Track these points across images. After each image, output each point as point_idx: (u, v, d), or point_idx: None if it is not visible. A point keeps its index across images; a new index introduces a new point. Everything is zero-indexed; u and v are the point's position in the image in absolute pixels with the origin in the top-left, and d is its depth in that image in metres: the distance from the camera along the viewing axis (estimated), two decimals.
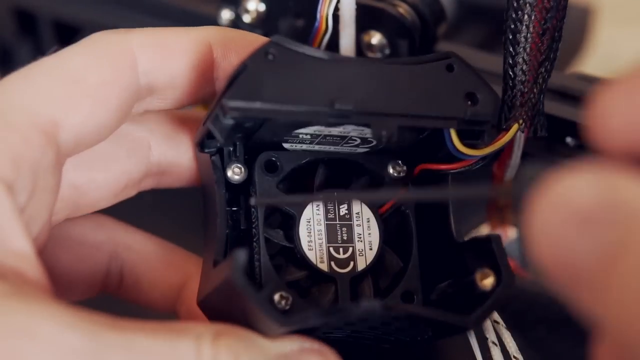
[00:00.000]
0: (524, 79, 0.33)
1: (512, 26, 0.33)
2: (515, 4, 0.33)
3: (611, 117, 0.20)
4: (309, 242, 0.33)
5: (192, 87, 0.33)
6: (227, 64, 0.33)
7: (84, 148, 0.32)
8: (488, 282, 0.32)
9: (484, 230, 0.41)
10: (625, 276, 0.19)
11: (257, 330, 0.29)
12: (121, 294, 0.37)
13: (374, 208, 0.35)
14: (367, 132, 0.32)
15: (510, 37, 0.33)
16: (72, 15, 0.51)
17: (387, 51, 0.42)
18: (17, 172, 0.29)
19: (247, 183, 0.34)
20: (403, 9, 0.41)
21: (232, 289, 0.28)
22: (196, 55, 0.33)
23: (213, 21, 0.45)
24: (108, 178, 0.34)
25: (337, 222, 0.34)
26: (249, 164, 0.34)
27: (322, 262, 0.33)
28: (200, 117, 0.33)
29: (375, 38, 0.42)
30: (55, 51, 0.32)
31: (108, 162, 0.34)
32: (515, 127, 0.33)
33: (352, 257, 0.34)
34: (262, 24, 0.43)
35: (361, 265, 0.34)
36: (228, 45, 0.33)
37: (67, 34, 0.52)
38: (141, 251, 0.37)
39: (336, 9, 0.38)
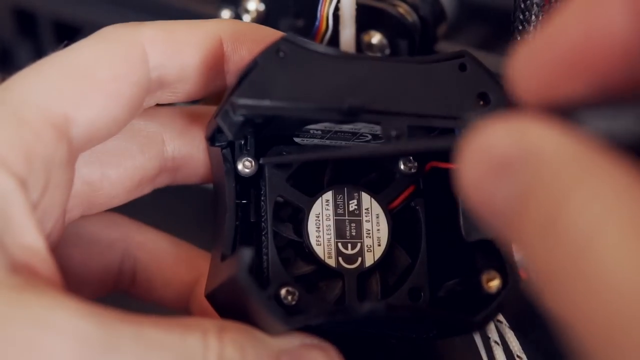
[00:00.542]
0: None
1: (520, 27, 0.33)
2: (522, 5, 0.33)
3: (524, 75, 0.22)
4: (317, 237, 0.33)
5: (203, 81, 0.33)
6: (238, 57, 0.33)
7: (96, 143, 0.32)
8: (494, 284, 0.32)
9: None
10: (531, 216, 0.20)
11: (262, 326, 0.29)
12: (133, 291, 0.37)
13: (384, 204, 0.35)
14: (377, 129, 0.32)
15: (519, 38, 0.33)
16: (72, 15, 0.51)
17: (387, 51, 0.42)
18: (30, 167, 0.29)
19: (258, 177, 0.34)
20: (403, 9, 0.41)
21: (237, 287, 0.28)
22: (207, 49, 0.33)
23: None
24: (122, 174, 0.34)
25: (346, 217, 0.34)
26: (259, 158, 0.34)
27: (330, 257, 0.33)
28: (212, 112, 0.33)
29: (375, 38, 0.42)
30: (65, 46, 0.32)
31: (121, 158, 0.34)
32: None
33: (360, 253, 0.34)
34: (262, 24, 0.43)
35: (369, 261, 0.34)
36: (239, 38, 0.33)
37: (67, 34, 0.52)
38: (153, 249, 0.37)
39: (336, 8, 0.39)
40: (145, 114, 0.34)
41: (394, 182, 0.35)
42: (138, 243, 0.37)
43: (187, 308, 0.37)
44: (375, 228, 0.34)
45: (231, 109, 0.30)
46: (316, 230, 0.34)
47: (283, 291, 0.31)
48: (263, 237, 0.33)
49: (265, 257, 0.33)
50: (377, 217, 0.34)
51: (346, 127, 0.32)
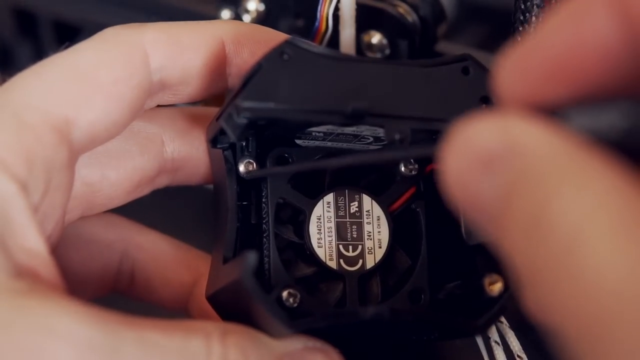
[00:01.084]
0: None
1: (520, 28, 0.33)
2: (522, 6, 0.33)
3: (510, 79, 0.22)
4: (318, 239, 0.33)
5: (205, 83, 0.33)
6: (240, 59, 0.33)
7: (96, 145, 0.32)
8: (496, 287, 0.32)
9: None
10: (516, 215, 0.20)
11: (265, 329, 0.30)
12: (132, 293, 0.37)
13: (385, 206, 0.35)
14: (379, 132, 0.32)
15: (519, 39, 0.33)
16: (72, 15, 0.51)
17: (387, 51, 0.42)
18: (31, 170, 0.29)
19: (259, 178, 0.34)
20: (403, 9, 0.41)
21: (241, 290, 0.28)
22: (209, 51, 0.33)
23: None
24: (121, 175, 0.34)
25: (347, 219, 0.34)
26: (261, 159, 0.34)
27: (331, 259, 0.33)
28: (212, 113, 0.33)
29: (375, 38, 0.42)
30: (67, 47, 0.31)
31: (121, 159, 0.34)
32: None
33: (361, 255, 0.34)
34: (262, 24, 0.43)
35: (370, 263, 0.34)
36: (240, 40, 0.33)
37: (67, 34, 0.52)
38: (152, 250, 0.37)
39: (336, 9, 0.39)
40: (145, 115, 0.34)
41: (394, 184, 0.35)
42: (137, 244, 0.37)
43: (186, 309, 0.37)
44: (376, 230, 0.34)
45: (235, 111, 0.30)
46: (317, 232, 0.34)
47: (285, 293, 0.31)
48: (264, 239, 0.33)
49: (266, 259, 0.33)
50: (378, 219, 0.34)
51: (348, 130, 0.32)
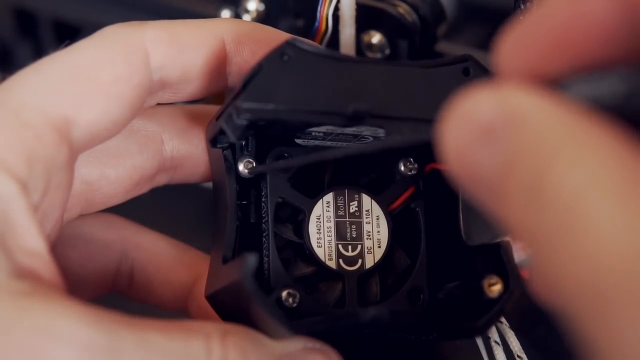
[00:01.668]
0: None
1: None
2: (522, 6, 0.33)
3: (510, 54, 0.22)
4: (318, 239, 0.33)
5: (205, 82, 0.33)
6: (240, 58, 0.33)
7: (96, 144, 0.32)
8: (496, 288, 0.32)
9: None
10: (517, 181, 0.20)
11: (264, 330, 0.30)
12: (131, 293, 0.37)
13: (384, 205, 0.35)
14: (380, 132, 0.32)
15: None
16: (72, 15, 0.51)
17: (387, 51, 0.42)
18: (31, 170, 0.29)
19: (258, 178, 0.34)
20: (403, 9, 0.41)
21: (241, 291, 0.28)
22: (209, 50, 0.33)
23: None
24: (120, 173, 0.34)
25: (347, 219, 0.34)
26: (260, 159, 0.34)
27: (330, 259, 0.33)
28: (212, 112, 0.33)
29: (375, 38, 0.42)
30: (67, 46, 0.31)
31: (120, 158, 0.34)
32: None
33: (361, 255, 0.34)
34: (262, 23, 0.43)
35: (369, 263, 0.34)
36: (241, 39, 0.33)
37: (67, 34, 0.52)
38: (151, 250, 0.37)
39: (336, 9, 0.39)
40: (144, 113, 0.34)
41: (394, 184, 0.35)
42: (136, 244, 0.37)
43: (185, 309, 0.37)
44: (376, 230, 0.34)
45: (235, 112, 0.30)
46: (317, 232, 0.34)
47: (284, 293, 0.31)
48: (264, 239, 0.33)
49: (266, 258, 0.33)
50: (378, 219, 0.34)
51: (348, 130, 0.32)
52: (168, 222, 0.40)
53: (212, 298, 0.33)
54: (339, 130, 0.32)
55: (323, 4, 0.38)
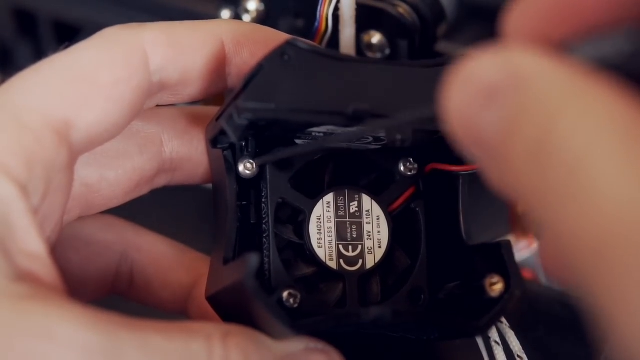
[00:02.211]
0: None
1: None
2: None
3: (518, 22, 0.22)
4: (318, 239, 0.34)
5: (204, 83, 0.33)
6: (240, 60, 0.33)
7: (96, 146, 0.32)
8: (497, 288, 0.32)
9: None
10: (520, 141, 0.20)
11: (266, 330, 0.30)
12: (131, 294, 0.37)
13: (384, 206, 0.35)
14: (380, 132, 0.32)
15: None
16: (72, 15, 0.51)
17: (387, 51, 0.42)
18: (31, 173, 0.29)
19: (258, 178, 0.34)
20: (403, 9, 0.41)
21: (242, 292, 0.28)
22: (209, 51, 0.33)
23: None
24: (120, 175, 0.34)
25: (347, 219, 0.34)
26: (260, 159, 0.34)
27: (331, 259, 0.33)
28: (211, 113, 0.33)
29: (375, 38, 0.42)
30: (66, 47, 0.31)
31: (120, 160, 0.34)
32: None
33: (361, 255, 0.34)
34: (262, 24, 0.43)
35: (370, 263, 0.34)
36: (240, 40, 0.33)
37: (67, 34, 0.52)
38: (151, 252, 0.37)
39: (336, 9, 0.39)
40: (144, 115, 0.34)
41: (394, 184, 0.35)
42: (136, 246, 0.37)
43: (185, 310, 0.37)
44: (376, 230, 0.34)
45: (236, 112, 0.30)
46: (317, 233, 0.34)
47: (285, 294, 0.31)
48: (264, 239, 0.33)
49: (266, 259, 0.33)
50: (378, 219, 0.34)
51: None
52: (168, 223, 0.40)
53: (213, 299, 0.33)
54: (339, 130, 0.32)
55: (323, 4, 0.38)
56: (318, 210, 0.34)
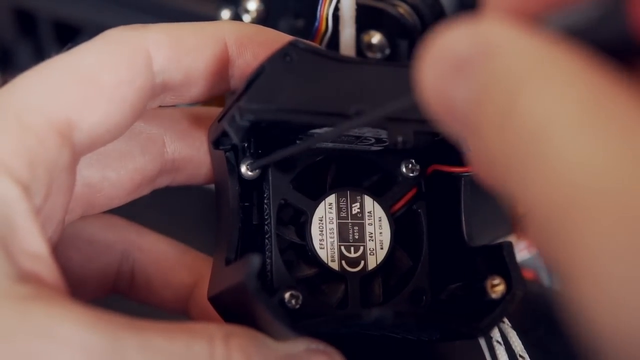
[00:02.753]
0: None
1: None
2: None
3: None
4: (320, 240, 0.34)
5: (207, 85, 0.33)
6: (242, 61, 0.33)
7: (98, 147, 0.32)
8: (498, 289, 0.32)
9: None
10: (488, 111, 0.20)
11: (268, 331, 0.30)
12: (132, 294, 0.37)
13: (386, 207, 0.35)
14: (382, 133, 0.32)
15: None
16: (72, 15, 0.51)
17: (387, 51, 0.42)
18: (34, 173, 0.29)
19: (261, 180, 0.34)
20: (403, 9, 0.41)
21: (244, 293, 0.28)
22: (211, 52, 0.33)
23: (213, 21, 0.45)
24: (122, 176, 0.34)
25: (349, 220, 0.34)
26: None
27: (333, 260, 0.33)
28: (214, 114, 0.33)
29: (375, 38, 0.42)
30: (69, 48, 0.31)
31: (122, 160, 0.34)
32: None
33: (363, 256, 0.34)
34: (262, 24, 0.43)
35: (372, 264, 0.34)
36: (243, 42, 0.33)
37: (67, 34, 0.52)
38: (152, 252, 0.37)
39: (336, 9, 0.38)
40: (146, 116, 0.34)
41: (396, 185, 0.35)
42: (137, 245, 0.37)
43: (186, 310, 0.37)
44: (378, 231, 0.34)
45: (238, 113, 0.30)
46: (319, 234, 0.34)
47: (287, 295, 0.31)
48: (266, 240, 0.33)
49: (268, 260, 0.33)
50: (380, 220, 0.34)
51: (351, 131, 0.32)
52: (169, 223, 0.40)
53: (214, 300, 0.33)
54: None
55: (323, 4, 0.38)
56: (320, 211, 0.34)
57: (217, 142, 0.33)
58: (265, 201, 0.33)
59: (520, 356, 0.33)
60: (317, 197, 0.34)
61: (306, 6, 0.42)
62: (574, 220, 0.19)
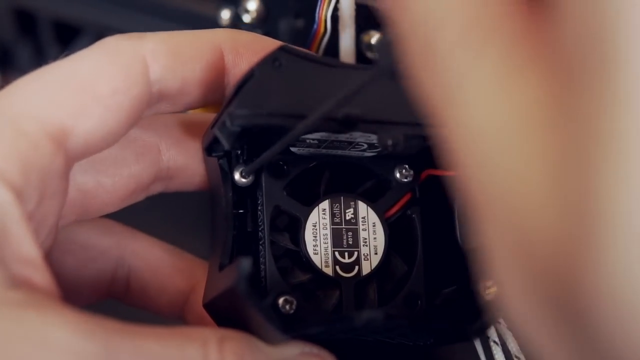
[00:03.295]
0: None
1: None
2: None
3: None
4: (314, 246, 0.34)
5: (203, 93, 0.33)
6: (238, 70, 0.33)
7: (92, 153, 0.32)
8: (492, 291, 0.32)
9: None
10: (414, 44, 0.21)
11: (260, 335, 0.30)
12: (127, 299, 0.37)
13: (380, 212, 0.35)
14: (373, 138, 0.32)
15: None
16: (72, 15, 0.51)
17: None
18: (27, 179, 0.29)
19: (254, 186, 0.34)
20: None
21: (236, 296, 0.28)
22: (208, 61, 0.33)
23: (213, 21, 0.45)
24: (117, 182, 0.34)
25: (343, 226, 0.34)
26: (256, 167, 0.34)
27: (327, 266, 0.33)
28: (209, 120, 0.33)
29: (375, 38, 0.42)
30: (66, 56, 0.31)
31: (117, 167, 0.34)
32: None
33: (357, 262, 0.34)
34: (262, 24, 0.43)
35: (366, 269, 0.34)
36: (239, 50, 0.33)
37: (67, 34, 0.52)
38: (148, 257, 0.37)
39: (335, 9, 0.39)
40: (141, 122, 0.34)
41: (390, 191, 0.35)
42: (132, 250, 0.37)
43: (182, 316, 0.37)
44: (372, 236, 0.34)
45: (229, 119, 0.30)
46: (313, 239, 0.34)
47: (281, 300, 0.31)
48: (260, 247, 0.33)
49: (262, 266, 0.33)
50: (374, 226, 0.34)
51: (342, 137, 0.32)
52: (164, 227, 0.40)
53: (209, 306, 0.33)
54: (333, 137, 0.32)
55: (322, 5, 0.38)
56: (314, 217, 0.34)
57: (210, 148, 0.33)
58: (259, 207, 0.33)
59: (516, 357, 0.33)
60: (311, 204, 0.34)
61: (306, 6, 0.42)
62: (477, 181, 0.20)
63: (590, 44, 0.17)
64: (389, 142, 0.30)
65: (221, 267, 0.32)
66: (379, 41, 0.33)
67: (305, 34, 0.40)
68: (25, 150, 0.29)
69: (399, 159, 0.35)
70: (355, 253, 0.34)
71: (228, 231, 0.33)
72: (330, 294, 0.33)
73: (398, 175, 0.35)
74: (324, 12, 0.38)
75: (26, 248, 0.28)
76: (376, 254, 0.34)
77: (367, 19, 0.41)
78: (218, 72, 0.33)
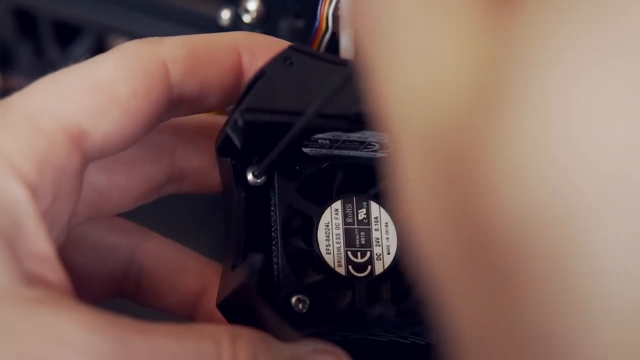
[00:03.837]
0: None
1: None
2: None
3: None
4: (327, 246, 0.34)
5: (221, 96, 0.33)
6: (254, 72, 0.33)
7: (108, 155, 0.32)
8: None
9: None
10: None
11: (273, 332, 0.30)
12: (138, 298, 0.37)
13: (393, 213, 0.35)
14: (385, 137, 0.32)
15: None
16: (72, 15, 0.51)
17: None
18: (42, 176, 0.29)
19: (267, 186, 0.34)
20: None
21: (248, 293, 0.28)
22: (227, 65, 0.33)
23: (213, 21, 0.45)
24: (131, 182, 0.34)
25: (355, 226, 0.34)
26: (268, 168, 0.34)
27: (339, 266, 0.34)
28: (223, 122, 0.34)
29: None
30: (86, 58, 0.32)
31: (132, 167, 0.34)
32: None
33: (370, 261, 0.34)
34: (262, 24, 0.43)
35: (379, 269, 0.34)
36: (255, 53, 0.33)
37: (67, 34, 0.52)
38: (160, 256, 0.37)
39: (336, 8, 0.39)
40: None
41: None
42: (144, 249, 0.37)
43: (192, 317, 0.37)
44: (385, 236, 0.34)
45: (240, 117, 0.30)
46: (326, 239, 0.34)
47: (294, 299, 0.31)
48: (273, 247, 0.33)
49: (275, 266, 0.33)
50: (386, 226, 0.35)
51: (354, 136, 0.32)
52: (177, 229, 0.40)
53: (222, 306, 0.33)
54: (344, 136, 0.32)
55: (323, 4, 0.38)
56: (326, 217, 0.34)
57: (222, 148, 0.33)
58: (272, 208, 0.34)
59: None
60: (324, 204, 0.34)
61: (306, 6, 0.42)
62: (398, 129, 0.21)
63: None
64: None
65: (234, 267, 0.32)
66: None
67: (305, 34, 0.40)
68: (42, 148, 0.29)
69: None
70: (368, 253, 0.34)
71: (240, 232, 0.33)
72: (343, 294, 0.34)
73: None
74: (326, 11, 0.38)
75: (41, 245, 0.28)
76: (389, 253, 0.34)
77: None
78: (236, 76, 0.33)
